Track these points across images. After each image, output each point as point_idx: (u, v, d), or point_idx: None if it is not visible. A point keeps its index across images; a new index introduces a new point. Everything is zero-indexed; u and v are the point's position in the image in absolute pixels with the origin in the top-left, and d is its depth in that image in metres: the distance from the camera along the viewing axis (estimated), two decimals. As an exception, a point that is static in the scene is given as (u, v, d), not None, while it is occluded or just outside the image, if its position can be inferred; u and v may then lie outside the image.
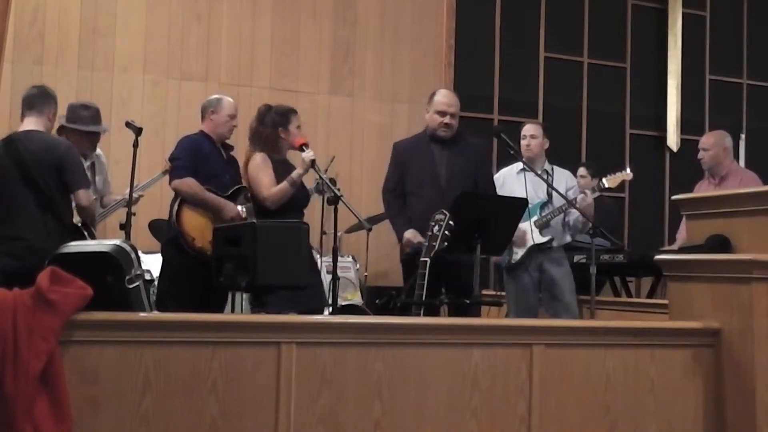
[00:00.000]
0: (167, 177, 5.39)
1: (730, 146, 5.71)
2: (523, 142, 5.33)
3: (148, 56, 6.93)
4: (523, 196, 4.82)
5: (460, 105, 4.98)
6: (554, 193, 5.11)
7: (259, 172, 4.79)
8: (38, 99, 4.54)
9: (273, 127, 4.89)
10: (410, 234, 4.67)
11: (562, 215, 5.23)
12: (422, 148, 4.88)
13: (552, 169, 5.36)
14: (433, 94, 5.00)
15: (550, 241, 5.20)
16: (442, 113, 4.84)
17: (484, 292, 5.63)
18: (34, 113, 4.50)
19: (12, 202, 4.38)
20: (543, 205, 5.25)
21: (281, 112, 4.95)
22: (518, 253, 5.19)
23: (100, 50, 6.80)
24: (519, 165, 5.24)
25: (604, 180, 5.45)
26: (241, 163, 5.02)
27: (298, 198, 4.87)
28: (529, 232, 5.16)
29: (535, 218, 5.19)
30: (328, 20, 7.47)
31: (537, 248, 5.19)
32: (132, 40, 6.89)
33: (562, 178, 5.37)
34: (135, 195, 5.14)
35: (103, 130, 5.16)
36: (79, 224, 4.56)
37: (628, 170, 5.53)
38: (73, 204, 4.53)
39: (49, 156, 4.40)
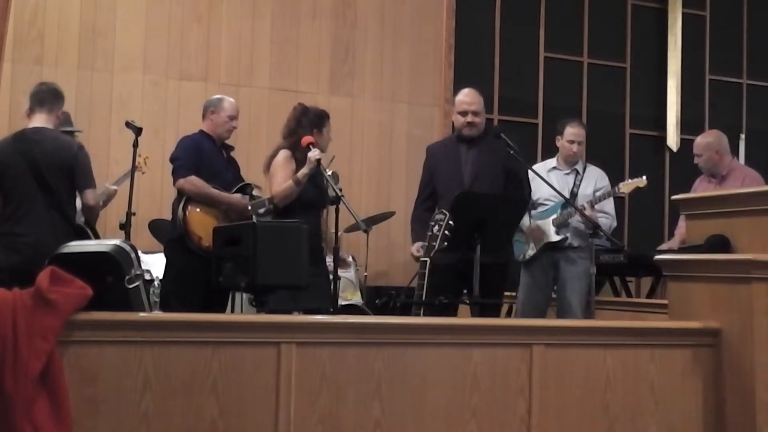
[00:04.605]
0: (146, 174, 5.41)
1: (725, 145, 5.58)
2: (570, 146, 5.29)
3: (148, 56, 6.93)
4: (549, 195, 5.06)
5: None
6: (579, 193, 5.16)
7: (278, 169, 4.69)
8: (49, 97, 4.53)
9: (309, 128, 4.78)
10: (414, 248, 4.64)
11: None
12: (449, 149, 4.88)
13: (584, 169, 5.36)
14: (457, 94, 4.99)
15: (564, 240, 5.20)
16: (464, 113, 4.81)
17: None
18: (44, 111, 4.49)
19: (21, 199, 4.39)
20: (565, 205, 5.24)
21: (318, 113, 4.87)
22: (533, 249, 5.22)
23: (100, 50, 6.79)
24: (550, 163, 5.29)
25: (620, 185, 5.36)
26: (260, 160, 4.95)
27: (311, 198, 4.74)
28: (548, 230, 5.18)
29: (554, 216, 5.20)
30: (328, 20, 7.46)
31: (553, 246, 5.19)
32: (132, 40, 6.89)
33: (592, 177, 5.36)
34: (112, 189, 5.16)
35: None
36: (83, 224, 4.56)
37: (644, 177, 5.41)
38: (78, 203, 4.55)
39: (61, 155, 4.41)
